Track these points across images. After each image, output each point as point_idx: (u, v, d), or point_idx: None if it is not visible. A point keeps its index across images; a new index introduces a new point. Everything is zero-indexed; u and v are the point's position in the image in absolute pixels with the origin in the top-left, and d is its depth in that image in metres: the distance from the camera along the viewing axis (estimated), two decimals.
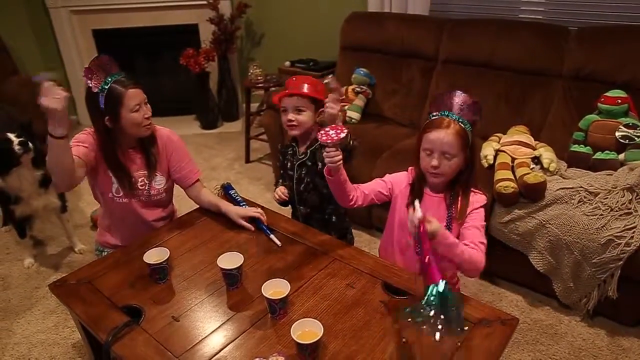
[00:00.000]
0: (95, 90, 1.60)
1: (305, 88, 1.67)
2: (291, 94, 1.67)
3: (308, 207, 1.83)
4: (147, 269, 1.45)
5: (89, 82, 1.60)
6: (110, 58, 1.65)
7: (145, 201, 1.83)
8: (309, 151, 1.75)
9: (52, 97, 1.32)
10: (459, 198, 1.42)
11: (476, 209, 1.41)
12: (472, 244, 1.34)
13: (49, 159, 1.49)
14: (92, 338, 1.48)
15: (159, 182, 1.84)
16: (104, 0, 3.90)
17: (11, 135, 2.09)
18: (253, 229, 1.71)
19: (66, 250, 2.54)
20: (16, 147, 2.07)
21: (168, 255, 1.45)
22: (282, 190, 1.82)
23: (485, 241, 1.37)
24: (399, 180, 1.55)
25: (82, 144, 1.67)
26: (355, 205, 1.50)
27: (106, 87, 1.59)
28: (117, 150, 1.72)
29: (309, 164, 1.76)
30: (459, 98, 1.37)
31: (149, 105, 1.71)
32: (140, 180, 1.79)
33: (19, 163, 2.11)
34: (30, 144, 2.11)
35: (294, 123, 1.70)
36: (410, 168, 1.53)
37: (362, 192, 1.51)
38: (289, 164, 1.83)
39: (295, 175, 1.81)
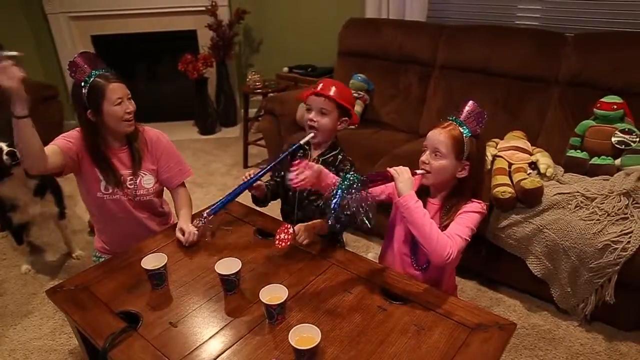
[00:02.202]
0: (79, 82, 1.63)
1: (334, 92, 1.65)
2: (319, 94, 1.65)
3: (306, 213, 1.80)
4: (145, 274, 1.45)
5: (72, 74, 1.64)
6: (96, 54, 1.69)
7: (134, 201, 1.84)
8: (321, 159, 1.71)
9: (6, 76, 1.34)
10: (453, 208, 1.43)
11: (466, 211, 1.41)
12: (447, 233, 1.34)
13: (15, 139, 1.51)
14: (89, 344, 1.47)
15: (148, 181, 1.85)
16: (103, 6, 3.92)
17: (2, 144, 2.04)
18: (182, 240, 1.67)
19: (63, 256, 2.54)
20: (4, 158, 2.01)
21: (166, 260, 1.45)
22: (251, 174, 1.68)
23: (463, 236, 1.35)
24: None
25: (66, 138, 1.71)
26: None
27: (89, 80, 1.62)
28: (101, 145, 1.74)
29: None
30: (468, 106, 1.40)
31: (132, 102, 1.73)
32: (129, 179, 1.81)
33: (10, 174, 2.07)
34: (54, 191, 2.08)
35: (314, 124, 1.67)
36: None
37: None
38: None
39: None
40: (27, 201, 2.21)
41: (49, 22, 3.92)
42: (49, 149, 1.62)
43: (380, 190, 1.51)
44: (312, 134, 1.67)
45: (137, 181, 1.82)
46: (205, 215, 1.63)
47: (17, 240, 2.39)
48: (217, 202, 1.64)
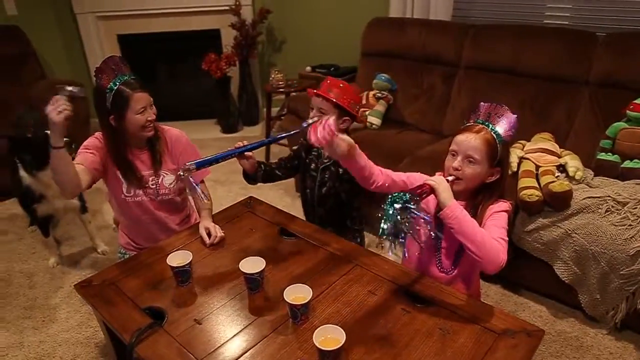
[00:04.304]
0: (103, 89, 1.65)
1: (331, 91, 1.68)
2: (318, 94, 1.69)
3: (326, 210, 1.86)
4: (170, 271, 1.46)
5: (98, 80, 1.66)
6: (121, 59, 1.70)
7: (156, 201, 1.87)
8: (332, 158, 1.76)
9: (56, 110, 1.39)
10: (479, 209, 1.39)
11: (496, 212, 1.37)
12: (493, 238, 1.28)
13: (52, 169, 1.55)
14: (115, 338, 1.50)
15: (169, 180, 1.87)
16: (129, 6, 3.98)
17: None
18: (207, 241, 1.68)
19: (89, 251, 2.59)
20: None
21: (191, 258, 1.46)
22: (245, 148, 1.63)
23: (506, 238, 1.30)
24: None
25: (88, 150, 1.73)
26: (374, 186, 1.39)
27: (114, 87, 1.64)
28: (122, 147, 1.76)
29: (333, 168, 1.78)
30: (497, 110, 1.35)
31: (154, 108, 1.75)
32: (151, 179, 1.83)
33: None
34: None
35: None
36: (438, 173, 1.46)
37: (387, 176, 1.40)
38: (312, 164, 1.85)
39: (318, 178, 1.83)
40: (56, 192, 2.23)
41: (77, 21, 4.00)
42: (78, 169, 1.64)
43: (398, 178, 1.44)
44: (312, 121, 1.60)
45: (159, 181, 1.85)
46: (187, 165, 1.47)
47: (44, 232, 2.45)
48: (203, 158, 1.53)
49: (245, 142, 1.63)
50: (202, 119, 4.48)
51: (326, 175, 1.81)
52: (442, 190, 1.26)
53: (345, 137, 1.24)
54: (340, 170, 1.76)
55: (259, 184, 1.82)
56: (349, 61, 3.53)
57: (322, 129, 1.19)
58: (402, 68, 3.00)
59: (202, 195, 1.58)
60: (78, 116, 3.50)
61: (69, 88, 1.43)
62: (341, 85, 1.70)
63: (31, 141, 2.10)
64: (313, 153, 1.86)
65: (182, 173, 1.47)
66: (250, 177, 1.78)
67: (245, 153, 1.63)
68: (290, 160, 1.90)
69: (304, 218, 1.93)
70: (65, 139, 1.50)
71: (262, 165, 1.78)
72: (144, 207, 1.86)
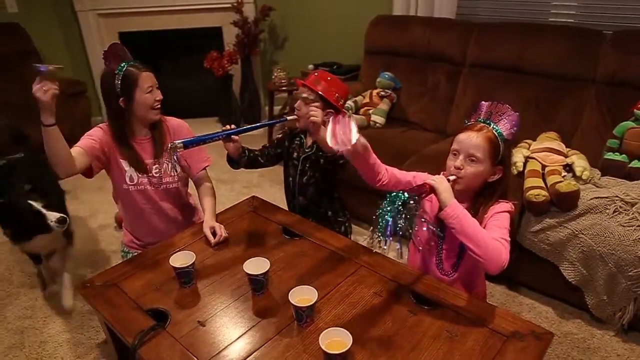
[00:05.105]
0: (112, 71, 1.68)
1: (318, 84, 1.71)
2: (304, 84, 1.74)
3: (307, 199, 1.90)
4: (173, 272, 1.44)
5: (107, 62, 1.70)
6: (123, 47, 1.75)
7: (160, 190, 1.87)
8: (314, 145, 1.80)
9: (42, 89, 1.39)
10: (480, 210, 1.37)
11: (498, 212, 1.35)
12: (495, 238, 1.25)
13: (45, 147, 1.54)
14: (117, 339, 1.48)
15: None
16: (130, 3, 3.96)
17: (37, 205, 1.77)
18: (212, 241, 1.66)
19: (91, 250, 2.57)
20: (54, 225, 1.77)
21: (194, 259, 1.45)
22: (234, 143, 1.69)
23: (508, 239, 1.28)
24: None
25: (90, 137, 1.75)
26: (379, 184, 1.39)
27: (123, 69, 1.68)
28: (127, 132, 1.78)
29: (313, 158, 1.82)
30: (498, 108, 1.33)
31: (160, 90, 1.78)
32: (154, 167, 1.84)
33: (50, 231, 1.81)
34: (68, 219, 1.81)
35: (296, 112, 1.76)
36: (442, 172, 1.43)
37: (392, 175, 1.40)
38: (295, 153, 1.88)
39: (299, 167, 1.86)
40: (44, 244, 1.98)
41: (78, 19, 3.98)
42: (74, 151, 1.65)
43: (403, 177, 1.43)
44: (294, 117, 1.74)
45: (163, 169, 1.85)
46: (174, 143, 1.49)
47: (34, 260, 2.20)
48: (191, 138, 1.56)
49: (234, 126, 1.67)
50: (204, 117, 4.46)
51: (307, 164, 1.84)
52: (442, 190, 1.24)
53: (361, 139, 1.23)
54: (321, 160, 1.80)
55: (241, 168, 1.87)
56: (352, 59, 3.51)
57: (342, 132, 1.18)
58: (406, 66, 2.97)
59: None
60: (79, 114, 3.53)
61: (48, 66, 1.40)
62: (329, 78, 1.75)
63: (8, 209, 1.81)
64: (296, 142, 1.89)
65: (172, 145, 1.49)
66: (234, 162, 1.82)
67: (232, 137, 1.66)
68: (273, 148, 1.94)
69: (295, 214, 1.93)
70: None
71: (247, 152, 1.82)
72: (147, 195, 1.86)
